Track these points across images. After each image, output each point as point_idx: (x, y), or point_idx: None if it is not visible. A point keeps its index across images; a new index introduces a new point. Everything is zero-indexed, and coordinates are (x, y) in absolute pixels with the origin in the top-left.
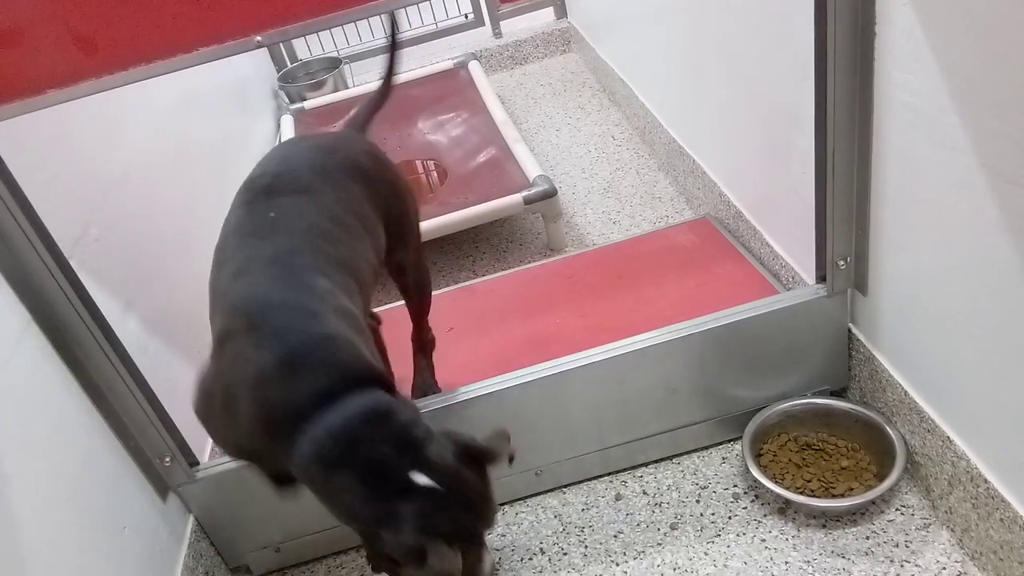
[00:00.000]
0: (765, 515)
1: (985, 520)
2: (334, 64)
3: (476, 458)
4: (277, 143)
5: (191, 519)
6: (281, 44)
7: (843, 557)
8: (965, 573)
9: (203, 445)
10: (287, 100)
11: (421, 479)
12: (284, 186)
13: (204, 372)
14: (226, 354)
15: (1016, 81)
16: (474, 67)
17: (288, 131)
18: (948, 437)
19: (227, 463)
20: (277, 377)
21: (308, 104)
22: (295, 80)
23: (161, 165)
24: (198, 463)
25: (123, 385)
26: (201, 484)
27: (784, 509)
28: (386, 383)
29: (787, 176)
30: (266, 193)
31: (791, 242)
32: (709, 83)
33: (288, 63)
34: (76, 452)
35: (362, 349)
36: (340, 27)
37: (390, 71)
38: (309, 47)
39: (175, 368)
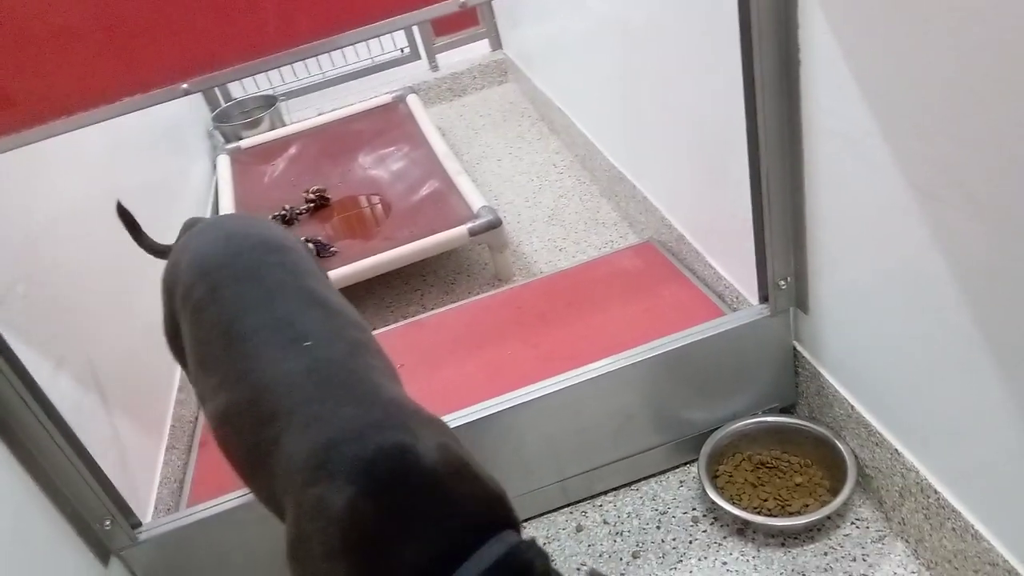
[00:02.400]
0: (725, 537)
1: (938, 530)
2: (270, 102)
3: None
4: (212, 185)
5: None
6: None
7: (803, 575)
8: None
9: (146, 505)
10: (223, 140)
11: None
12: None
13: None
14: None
15: (934, 105)
16: (412, 100)
17: (224, 171)
18: (896, 449)
19: (170, 522)
20: (404, 532)
21: (244, 143)
22: (230, 119)
23: (93, 213)
24: (140, 524)
25: (55, 447)
26: (145, 547)
27: (743, 530)
28: (505, 508)
29: (725, 199)
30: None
31: (733, 263)
32: (644, 109)
33: (222, 102)
34: (5, 520)
35: (475, 465)
36: None
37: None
38: (244, 86)
39: (114, 425)
